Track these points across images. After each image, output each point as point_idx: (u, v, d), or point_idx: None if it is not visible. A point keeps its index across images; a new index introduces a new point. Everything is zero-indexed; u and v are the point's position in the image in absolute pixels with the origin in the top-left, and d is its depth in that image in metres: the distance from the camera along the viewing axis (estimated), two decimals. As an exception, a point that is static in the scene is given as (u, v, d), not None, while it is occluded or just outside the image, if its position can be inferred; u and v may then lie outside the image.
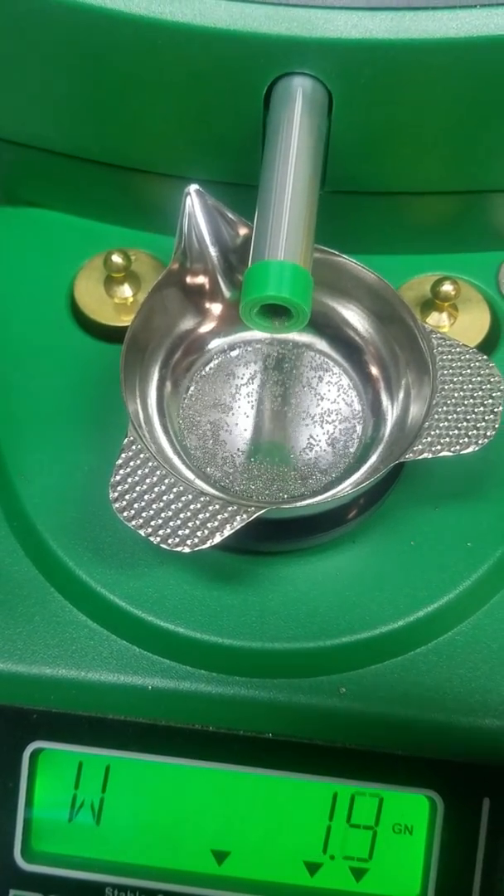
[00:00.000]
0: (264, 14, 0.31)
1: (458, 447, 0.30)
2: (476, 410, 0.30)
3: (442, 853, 0.32)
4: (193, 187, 0.33)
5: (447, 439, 0.30)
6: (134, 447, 0.30)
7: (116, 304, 0.39)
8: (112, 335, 0.38)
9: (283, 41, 0.31)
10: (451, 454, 0.30)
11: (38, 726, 0.33)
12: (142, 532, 0.28)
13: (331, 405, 0.34)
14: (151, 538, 0.28)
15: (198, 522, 0.29)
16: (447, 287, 0.36)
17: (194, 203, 0.33)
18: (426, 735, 0.32)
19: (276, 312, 0.29)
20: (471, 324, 0.38)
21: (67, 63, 0.33)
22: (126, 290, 0.39)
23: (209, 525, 0.28)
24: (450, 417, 0.30)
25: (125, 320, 0.38)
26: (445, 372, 0.31)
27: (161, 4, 0.31)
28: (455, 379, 0.31)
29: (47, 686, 0.32)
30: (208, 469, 0.33)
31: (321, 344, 0.35)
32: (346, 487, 0.31)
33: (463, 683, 0.32)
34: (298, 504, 0.31)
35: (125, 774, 0.33)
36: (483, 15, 0.31)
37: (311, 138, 0.31)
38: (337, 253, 0.33)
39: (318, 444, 0.33)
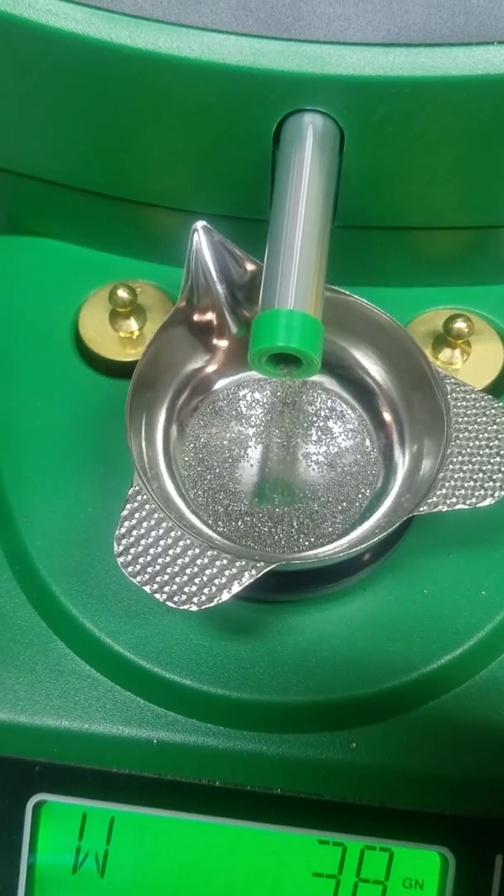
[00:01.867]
0: (275, 50, 0.30)
1: (473, 500, 0.29)
2: (492, 461, 0.30)
3: (454, 909, 0.31)
4: (201, 224, 0.32)
5: (462, 491, 0.29)
6: (139, 497, 0.29)
7: (122, 338, 0.38)
8: (117, 370, 0.37)
9: (294, 78, 0.30)
10: (466, 507, 0.29)
11: (41, 778, 0.32)
12: (147, 589, 0.28)
13: (342, 450, 0.33)
14: (157, 595, 0.28)
15: (205, 578, 0.28)
16: (460, 325, 0.35)
17: (202, 240, 0.32)
18: (438, 790, 0.31)
19: (285, 360, 0.28)
20: (484, 359, 0.37)
21: (75, 97, 0.32)
22: (132, 324, 0.38)
23: (216, 581, 0.28)
24: (465, 468, 0.29)
25: (130, 354, 0.38)
26: (460, 420, 0.30)
27: (169, 40, 0.30)
28: (470, 427, 0.30)
29: (50, 738, 0.31)
30: (213, 515, 0.32)
31: (332, 384, 0.34)
32: (356, 539, 0.31)
33: (476, 737, 0.31)
34: (307, 556, 0.31)
35: (130, 827, 0.32)
36: (499, 52, 0.30)
37: (322, 177, 0.30)
38: (347, 293, 0.32)
39: (329, 490, 0.32)
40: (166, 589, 0.28)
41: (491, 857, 0.31)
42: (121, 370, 0.37)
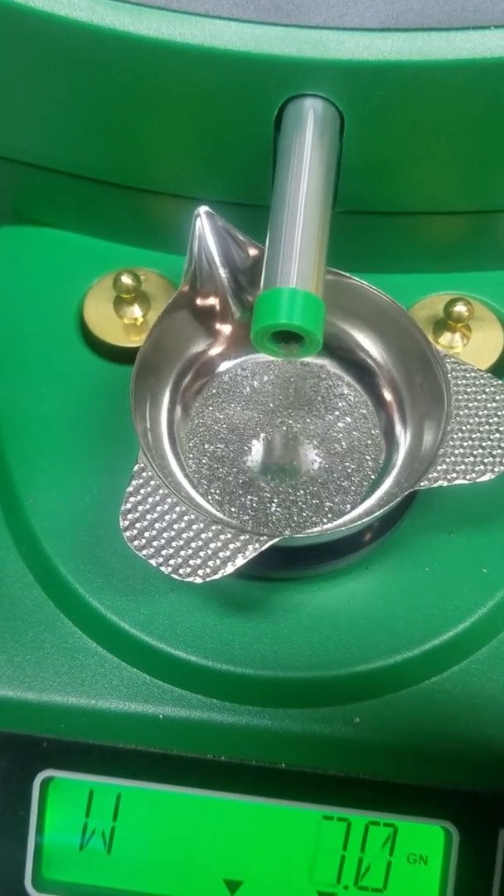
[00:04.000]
0: (275, 36, 0.31)
1: (473, 475, 0.29)
2: (492, 437, 0.30)
3: (457, 884, 0.31)
4: (203, 209, 0.33)
5: (462, 467, 0.29)
6: (144, 474, 0.30)
7: (126, 325, 0.39)
8: (121, 356, 0.38)
9: (294, 63, 0.31)
10: (466, 482, 0.29)
11: (49, 754, 0.32)
12: (153, 562, 0.28)
13: (344, 428, 0.34)
14: (163, 568, 0.28)
15: (209, 552, 0.28)
16: (460, 308, 0.36)
17: (204, 225, 0.33)
18: (441, 765, 0.31)
19: (288, 339, 0.28)
20: (484, 344, 0.37)
21: (79, 84, 0.33)
22: (136, 311, 0.39)
23: (221, 555, 0.28)
24: (465, 444, 0.30)
25: (135, 340, 0.38)
26: (460, 397, 0.31)
27: (171, 26, 0.31)
28: (470, 405, 0.31)
29: (57, 714, 0.32)
30: (218, 493, 0.32)
31: (334, 366, 0.35)
32: (359, 515, 0.31)
33: (478, 712, 0.31)
34: (310, 532, 0.31)
35: (137, 803, 0.32)
36: (496, 35, 0.30)
37: (322, 161, 0.30)
38: (349, 276, 0.33)
39: (331, 468, 0.33)
40: (171, 562, 0.28)
41: (494, 831, 0.31)
42: (125, 356, 0.37)
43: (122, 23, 0.31)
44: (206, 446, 0.34)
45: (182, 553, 0.28)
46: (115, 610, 0.32)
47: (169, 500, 0.29)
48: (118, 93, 0.33)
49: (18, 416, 0.36)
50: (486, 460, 0.30)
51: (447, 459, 0.30)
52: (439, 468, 0.29)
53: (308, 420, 0.34)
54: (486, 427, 0.30)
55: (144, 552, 0.28)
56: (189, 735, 0.32)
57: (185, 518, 0.29)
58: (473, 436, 0.30)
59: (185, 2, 0.31)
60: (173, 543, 0.28)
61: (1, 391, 0.37)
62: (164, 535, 0.29)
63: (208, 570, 0.28)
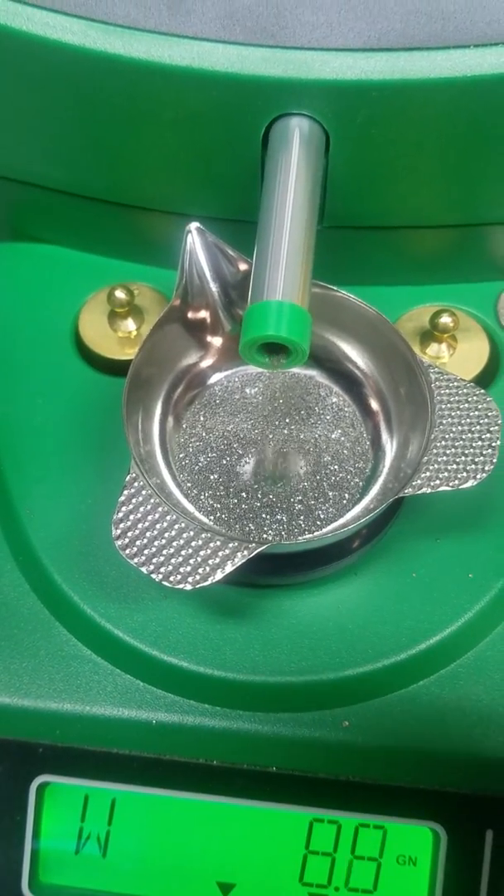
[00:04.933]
0: (261, 57, 0.31)
1: (456, 482, 0.30)
2: (474, 444, 0.31)
3: (446, 885, 0.32)
4: (194, 225, 0.34)
5: (446, 474, 0.30)
6: (136, 483, 0.30)
7: (120, 338, 0.39)
8: (116, 368, 0.39)
9: (280, 83, 0.31)
10: (449, 489, 0.30)
11: (44, 760, 0.33)
12: (144, 570, 0.29)
13: (332, 438, 0.34)
14: (154, 576, 0.29)
15: (199, 560, 0.29)
16: (445, 319, 0.37)
17: (195, 241, 0.34)
18: (429, 767, 0.32)
19: (275, 350, 0.29)
20: (470, 354, 0.38)
21: (71, 106, 0.34)
22: (129, 324, 0.39)
23: (210, 562, 0.29)
24: (448, 452, 0.31)
25: (129, 353, 0.39)
26: (443, 406, 0.31)
27: (160, 48, 0.32)
28: (453, 413, 0.31)
29: (52, 720, 0.32)
30: (209, 502, 0.33)
31: (322, 376, 0.36)
32: (346, 522, 0.32)
33: (465, 715, 0.32)
34: (298, 540, 0.32)
35: (131, 808, 0.33)
36: (476, 55, 0.31)
37: (308, 178, 0.31)
38: (335, 288, 0.34)
39: (320, 476, 0.34)
40: (162, 569, 0.29)
41: (481, 833, 0.32)
42: (119, 368, 0.38)
43: (114, 46, 0.32)
44: (198, 456, 0.34)
45: (172, 561, 0.29)
46: (108, 617, 0.33)
47: (160, 509, 0.30)
48: (110, 114, 0.34)
49: (15, 428, 0.37)
50: (468, 467, 0.30)
51: (431, 467, 0.30)
52: (424, 475, 0.30)
53: (297, 429, 0.35)
54: (469, 435, 0.31)
55: (136, 560, 0.29)
56: (182, 740, 0.32)
57: (176, 527, 0.30)
58: (457, 443, 0.31)
59: (174, 25, 0.32)
60: (164, 552, 0.29)
61: (-2, 403, 0.38)
62: (155, 543, 0.29)
63: (198, 578, 0.29)
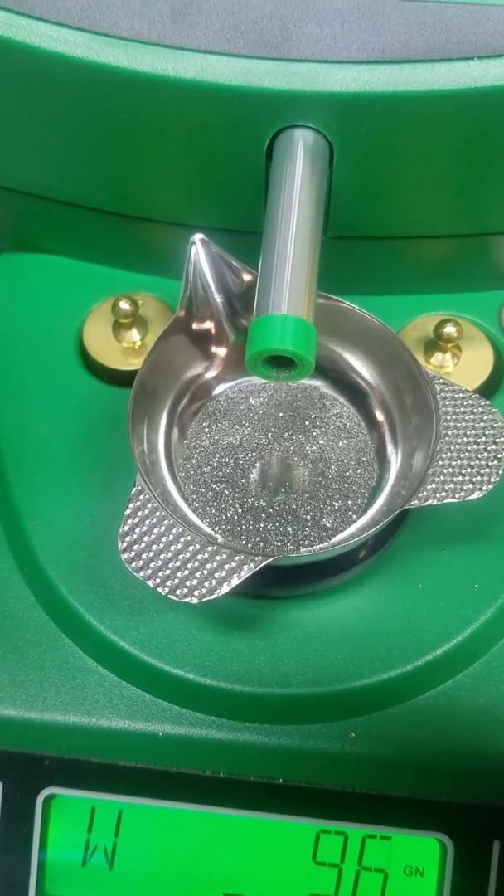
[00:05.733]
0: (265, 69, 0.32)
1: (462, 493, 0.30)
2: (480, 456, 0.31)
3: (453, 895, 0.32)
4: (199, 237, 0.34)
5: (451, 485, 0.30)
6: (142, 496, 0.30)
7: (125, 348, 0.39)
8: (120, 379, 0.39)
9: (284, 96, 0.32)
10: (455, 500, 0.30)
11: (51, 772, 0.33)
12: (150, 583, 0.29)
13: (338, 449, 0.34)
14: (160, 589, 0.29)
15: (206, 572, 0.29)
16: (450, 329, 0.37)
17: (199, 252, 0.34)
18: (436, 778, 0.32)
19: (280, 363, 0.29)
20: (474, 363, 0.38)
21: (76, 118, 0.34)
22: (134, 335, 0.39)
23: (217, 575, 0.29)
24: (453, 464, 0.31)
25: (133, 364, 0.39)
26: (449, 418, 0.31)
27: (165, 61, 0.32)
28: (458, 425, 0.31)
29: (59, 733, 0.32)
30: (214, 513, 0.33)
31: (327, 387, 0.36)
32: (352, 534, 0.32)
33: (473, 726, 0.32)
34: (304, 552, 0.32)
35: (138, 819, 0.33)
36: (479, 66, 0.31)
37: (312, 190, 0.31)
38: (339, 299, 0.34)
39: (325, 487, 0.34)
40: (168, 583, 0.29)
41: (488, 843, 0.32)
42: (124, 379, 0.38)
43: (117, 59, 0.32)
44: (203, 467, 0.34)
45: (179, 574, 0.29)
46: (114, 630, 0.33)
47: (166, 522, 0.30)
48: (114, 126, 0.34)
49: (20, 439, 0.37)
50: (474, 479, 0.30)
51: (437, 478, 0.30)
52: (429, 487, 0.30)
53: (302, 440, 0.35)
54: (475, 446, 0.31)
55: (142, 574, 0.29)
56: (188, 752, 0.32)
57: (182, 539, 0.30)
58: (462, 455, 0.31)
59: (178, 38, 0.32)
60: (170, 565, 0.29)
61: (2, 414, 0.38)
62: (161, 556, 0.29)
63: (204, 591, 0.29)
